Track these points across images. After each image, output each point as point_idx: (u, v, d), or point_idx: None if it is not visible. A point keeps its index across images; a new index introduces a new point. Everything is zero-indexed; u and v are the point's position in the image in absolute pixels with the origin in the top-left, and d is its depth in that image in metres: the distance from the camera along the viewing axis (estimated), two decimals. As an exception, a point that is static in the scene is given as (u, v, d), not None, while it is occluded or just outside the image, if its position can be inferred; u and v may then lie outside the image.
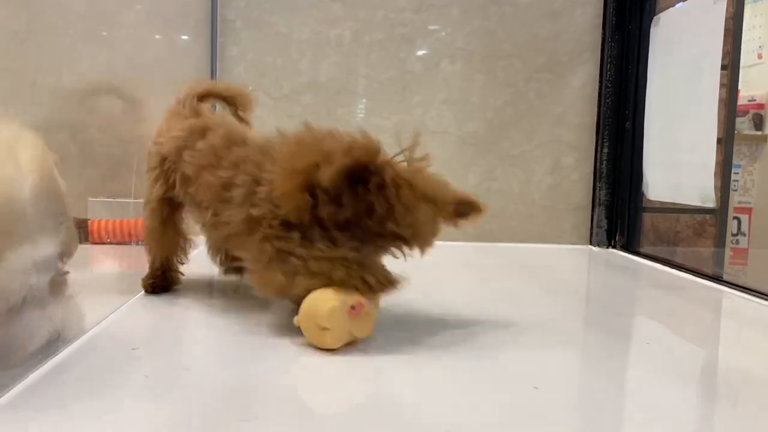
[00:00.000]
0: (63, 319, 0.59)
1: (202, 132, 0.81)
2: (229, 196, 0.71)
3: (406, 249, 0.68)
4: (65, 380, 0.55)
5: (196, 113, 0.89)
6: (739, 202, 2.83)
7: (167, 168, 0.84)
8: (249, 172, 0.70)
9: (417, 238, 0.66)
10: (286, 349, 0.66)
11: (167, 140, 0.85)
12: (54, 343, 0.58)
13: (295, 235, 0.65)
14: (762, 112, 2.87)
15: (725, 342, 0.84)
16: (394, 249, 0.68)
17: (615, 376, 0.65)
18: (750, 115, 2.88)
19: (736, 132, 2.79)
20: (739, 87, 2.84)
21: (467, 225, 0.69)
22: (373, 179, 0.62)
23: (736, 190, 2.85)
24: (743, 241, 2.74)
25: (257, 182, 0.69)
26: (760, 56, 2.86)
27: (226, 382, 0.56)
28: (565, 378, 0.64)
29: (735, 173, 2.86)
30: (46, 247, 0.57)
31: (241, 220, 0.69)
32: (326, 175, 0.61)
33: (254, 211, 0.67)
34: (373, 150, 0.64)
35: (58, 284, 0.59)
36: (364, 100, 1.48)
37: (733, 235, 2.74)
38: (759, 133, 2.86)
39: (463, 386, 0.58)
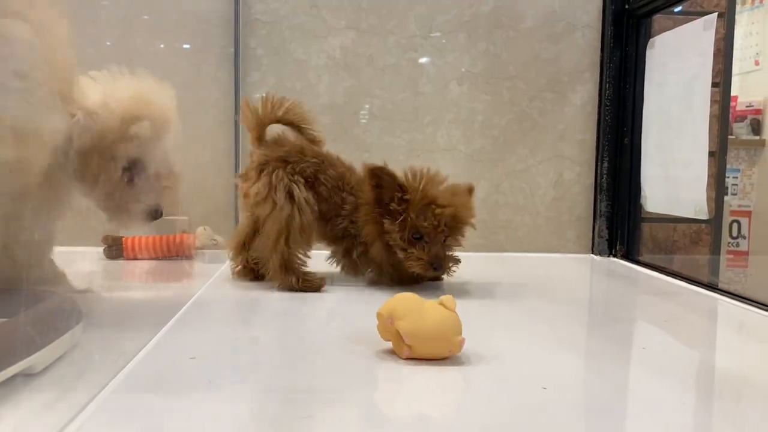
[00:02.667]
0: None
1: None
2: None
3: None
4: (135, 390, 0.65)
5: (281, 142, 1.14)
6: (739, 206, 2.90)
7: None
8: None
9: None
10: (337, 350, 0.76)
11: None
12: (156, 213, 0.93)
13: None
14: (760, 117, 2.94)
15: (718, 346, 0.92)
16: None
17: (617, 378, 0.72)
18: (748, 121, 2.96)
19: (734, 137, 2.88)
20: (737, 93, 2.94)
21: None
22: None
23: (735, 194, 2.93)
24: (743, 244, 2.82)
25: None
26: (757, 63, 2.93)
27: (279, 385, 0.66)
28: (571, 380, 0.72)
29: (734, 177, 2.94)
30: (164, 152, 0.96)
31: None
32: None
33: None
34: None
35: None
36: (378, 120, 1.57)
37: (733, 238, 2.82)
38: (757, 137, 2.93)
39: (474, 387, 0.67)
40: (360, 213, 1.08)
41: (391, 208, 1.04)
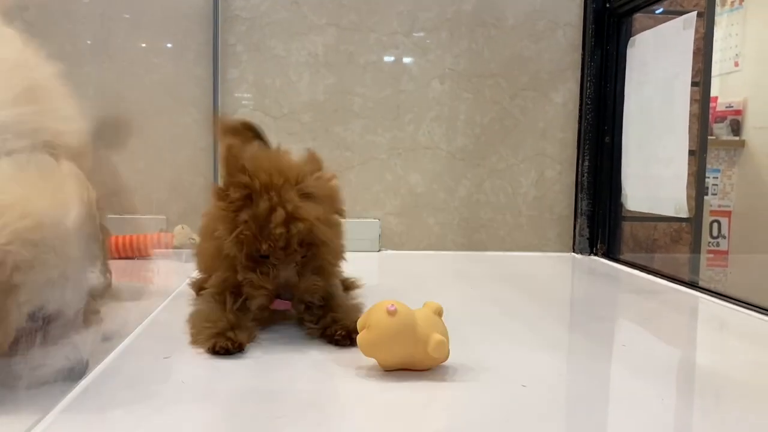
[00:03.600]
0: (90, 351, 0.63)
1: None
2: None
3: None
4: (109, 388, 0.63)
5: None
6: (719, 206, 2.94)
7: None
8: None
9: None
10: (303, 357, 0.74)
11: None
12: (79, 371, 0.62)
13: None
14: (739, 118, 2.97)
15: (699, 344, 0.92)
16: None
17: (598, 376, 0.72)
18: (728, 121, 2.99)
19: (714, 137, 2.90)
20: (717, 94, 2.97)
21: None
22: None
23: (716, 194, 2.96)
24: (723, 244, 2.85)
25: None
26: (736, 64, 2.96)
27: (253, 386, 0.64)
28: (552, 377, 0.71)
29: (714, 177, 2.97)
30: (78, 279, 0.60)
31: None
32: None
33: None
34: None
35: (88, 318, 0.63)
36: (360, 119, 1.56)
37: (713, 237, 2.85)
38: (737, 138, 2.96)
39: (456, 385, 0.66)
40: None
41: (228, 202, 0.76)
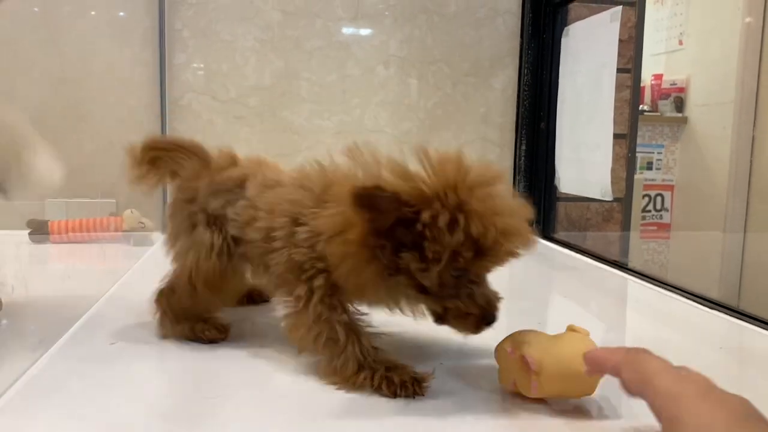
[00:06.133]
0: None
1: (242, 183, 0.76)
2: (270, 246, 0.69)
3: None
4: (62, 369, 0.67)
5: (233, 161, 0.81)
6: (663, 180, 3.06)
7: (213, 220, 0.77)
8: (285, 213, 0.68)
9: None
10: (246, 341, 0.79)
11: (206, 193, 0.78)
12: None
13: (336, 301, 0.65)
14: (683, 95, 3.07)
15: (628, 325, 0.98)
16: None
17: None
18: (672, 99, 3.09)
19: (659, 114, 3.00)
20: (663, 71, 3.05)
21: None
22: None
23: (659, 169, 3.08)
24: (666, 217, 2.98)
25: (295, 222, 0.66)
26: (681, 42, 3.05)
27: (189, 369, 0.69)
28: (476, 357, 0.73)
29: (659, 153, 3.08)
30: None
31: (283, 264, 0.67)
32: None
33: (295, 256, 0.65)
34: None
35: None
36: (307, 103, 1.60)
37: (657, 210, 2.98)
38: (680, 115, 3.06)
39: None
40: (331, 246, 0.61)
41: (402, 237, 0.59)
